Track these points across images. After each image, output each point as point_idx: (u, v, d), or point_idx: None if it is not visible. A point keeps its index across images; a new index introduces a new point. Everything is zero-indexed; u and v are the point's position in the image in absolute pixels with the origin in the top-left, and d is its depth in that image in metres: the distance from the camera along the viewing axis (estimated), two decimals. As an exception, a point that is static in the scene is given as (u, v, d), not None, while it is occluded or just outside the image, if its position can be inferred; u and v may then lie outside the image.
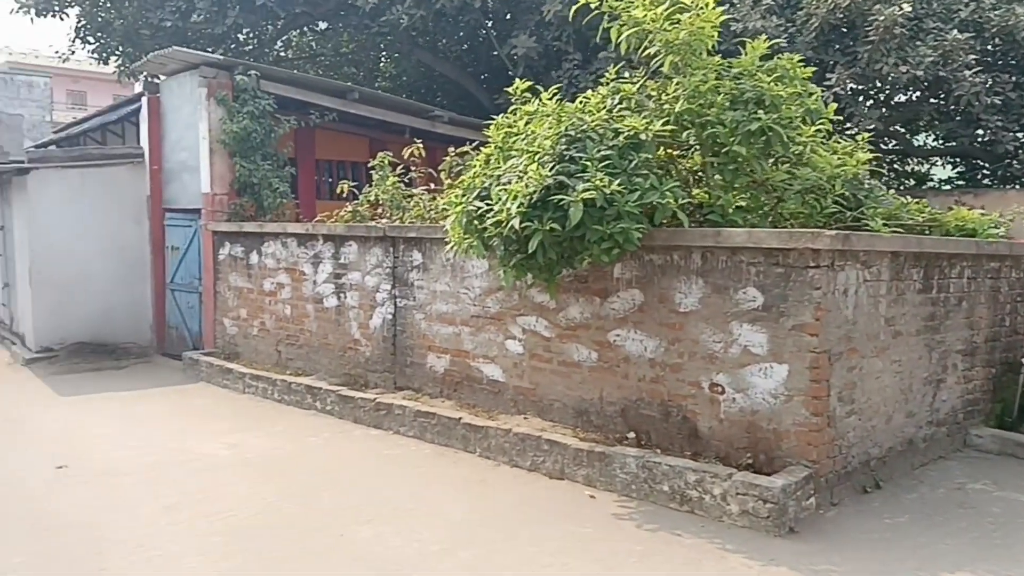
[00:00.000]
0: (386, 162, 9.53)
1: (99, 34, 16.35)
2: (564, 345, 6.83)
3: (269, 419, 8.48)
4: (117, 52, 17.00)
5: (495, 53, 16.21)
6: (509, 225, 5.74)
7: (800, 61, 6.55)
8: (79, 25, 16.48)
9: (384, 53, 19.63)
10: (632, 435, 6.37)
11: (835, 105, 7.03)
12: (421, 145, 9.74)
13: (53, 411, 8.90)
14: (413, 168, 9.88)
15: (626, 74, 6.94)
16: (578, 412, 6.77)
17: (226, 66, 11.15)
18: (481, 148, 7.01)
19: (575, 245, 5.83)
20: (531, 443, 6.55)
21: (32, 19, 16.28)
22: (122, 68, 17.40)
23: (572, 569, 4.82)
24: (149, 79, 12.16)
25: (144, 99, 12.12)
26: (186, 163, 11.65)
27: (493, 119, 6.92)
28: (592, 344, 6.63)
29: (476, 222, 6.13)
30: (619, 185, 5.63)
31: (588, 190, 5.55)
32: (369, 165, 9.76)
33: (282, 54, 19.95)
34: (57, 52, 17.18)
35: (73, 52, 16.95)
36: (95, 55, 17.03)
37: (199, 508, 5.80)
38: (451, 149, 9.34)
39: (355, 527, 5.46)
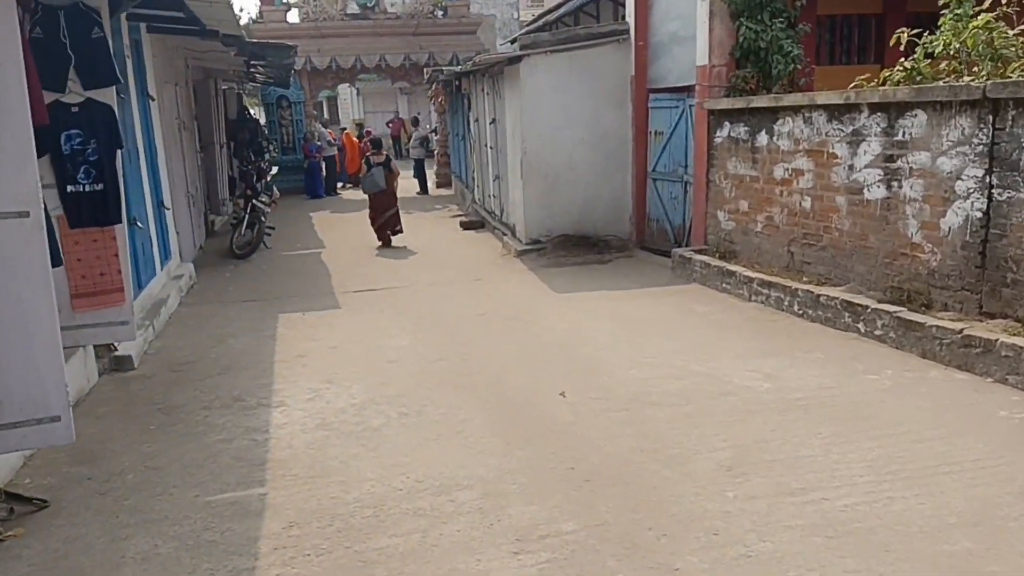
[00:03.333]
0: (963, -2, 6.67)
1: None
2: None
3: (796, 340, 6.62)
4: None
5: None
6: None
7: None
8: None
9: None
10: None
11: None
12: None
13: (552, 310, 8.14)
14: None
15: None
16: None
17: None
18: None
19: None
20: None
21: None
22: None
23: None
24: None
25: (630, -33, 10.62)
26: (676, 34, 9.96)
27: None
28: None
29: None
30: None
31: None
32: (941, 4, 6.90)
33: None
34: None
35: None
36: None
37: (771, 476, 4.19)
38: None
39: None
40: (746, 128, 8.60)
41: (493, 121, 13.08)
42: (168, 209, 9.54)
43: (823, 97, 7.39)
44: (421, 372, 6.25)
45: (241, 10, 37.26)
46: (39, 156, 5.78)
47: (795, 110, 7.78)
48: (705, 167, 9.38)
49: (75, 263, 5.96)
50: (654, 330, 7.17)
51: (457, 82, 16.78)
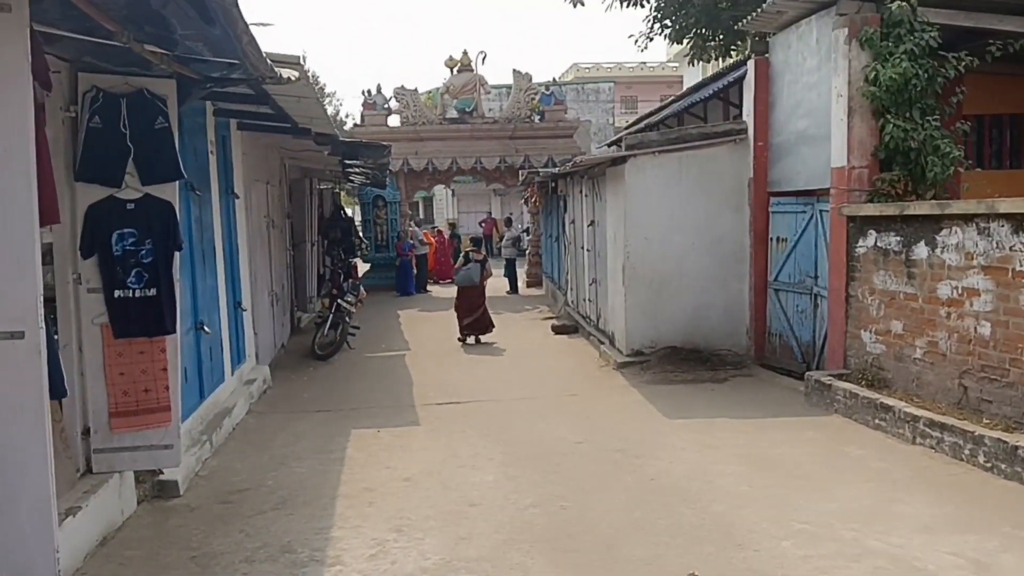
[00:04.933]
0: None
1: (677, 14, 14.68)
2: None
3: (995, 508, 5.02)
4: (691, 34, 15.22)
5: None
6: None
7: None
8: (658, 6, 15.03)
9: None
10: None
11: None
12: None
13: (666, 442, 6.76)
14: None
15: None
16: None
17: (868, -3, 7.94)
18: None
19: None
20: None
21: (611, 7, 15.33)
22: (695, 50, 15.55)
23: None
24: (756, 38, 9.58)
25: (750, 62, 9.61)
26: (805, 133, 8.78)
27: None
28: None
29: None
30: None
31: None
32: None
33: None
34: (633, 38, 16.14)
35: (651, 39, 15.64)
36: (670, 37, 15.50)
37: None
38: None
39: None
40: (899, 238, 7.21)
41: (592, 223, 12.07)
42: (245, 310, 8.76)
43: (1007, 205, 5.99)
44: (511, 524, 4.97)
45: (347, 116, 38.42)
46: (86, 256, 5.12)
47: (966, 219, 6.39)
48: (844, 280, 7.98)
49: (117, 377, 5.08)
50: (801, 480, 5.68)
51: (553, 183, 16.02)
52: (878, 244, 7.52)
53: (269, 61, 4.25)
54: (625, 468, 6.08)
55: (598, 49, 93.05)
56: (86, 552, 4.59)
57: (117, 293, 5.02)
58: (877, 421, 6.86)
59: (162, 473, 5.60)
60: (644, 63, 42.78)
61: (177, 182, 5.23)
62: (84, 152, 4.94)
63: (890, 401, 6.81)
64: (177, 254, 5.23)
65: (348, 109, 73.77)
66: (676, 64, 37.61)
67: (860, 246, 7.77)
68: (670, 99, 16.07)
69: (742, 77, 10.09)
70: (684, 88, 19.56)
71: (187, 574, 4.42)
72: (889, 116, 7.53)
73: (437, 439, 7.03)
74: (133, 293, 5.05)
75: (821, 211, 8.64)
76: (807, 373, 8.09)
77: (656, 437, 6.95)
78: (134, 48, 4.03)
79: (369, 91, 20.35)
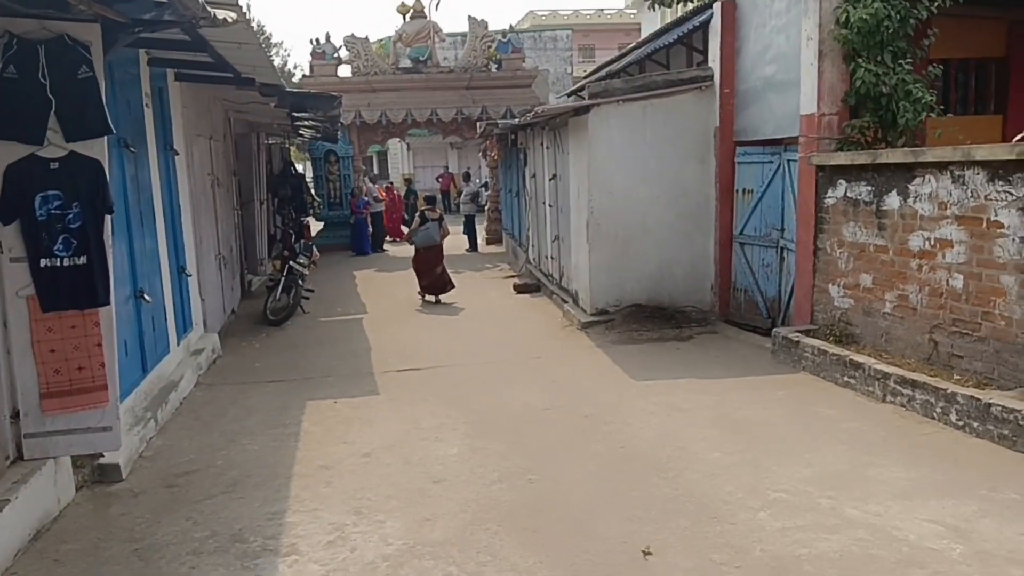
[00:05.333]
0: None
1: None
2: None
3: (971, 468, 4.92)
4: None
5: None
6: None
7: None
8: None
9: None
10: None
11: None
12: None
13: (635, 406, 6.57)
14: None
15: None
16: None
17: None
18: None
19: None
20: None
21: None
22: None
23: None
24: (721, -21, 9.19)
25: (716, 5, 9.24)
26: (772, 79, 8.51)
27: None
28: None
29: None
30: None
31: None
32: None
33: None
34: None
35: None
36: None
37: None
38: None
39: None
40: (869, 188, 7.03)
41: (553, 177, 11.71)
42: (190, 275, 8.28)
43: (983, 152, 5.81)
44: (477, 502, 4.73)
45: (296, 67, 37.06)
46: (7, 222, 4.64)
47: (940, 167, 6.21)
48: (812, 232, 7.81)
49: (47, 355, 4.65)
50: (774, 444, 5.54)
51: (513, 136, 15.56)
52: (848, 194, 7.33)
53: (202, 0, 3.77)
54: (594, 436, 5.88)
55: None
56: (17, 549, 4.23)
57: (43, 262, 4.58)
58: (846, 379, 6.75)
59: (102, 456, 5.22)
60: (601, 10, 42.02)
61: (106, 138, 4.73)
62: (-1, 106, 4.43)
63: (859, 358, 6.69)
64: (109, 217, 4.77)
65: (297, 60, 71.38)
66: (634, 11, 36.94)
67: (829, 197, 7.59)
68: (630, 46, 15.61)
69: (707, 21, 9.72)
70: (643, 36, 19.08)
71: (129, 570, 4.10)
72: (860, 60, 7.28)
73: (398, 409, 6.74)
74: (61, 262, 4.60)
75: (789, 161, 8.43)
76: (774, 330, 7.96)
77: (624, 400, 6.75)
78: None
79: (318, 40, 19.47)
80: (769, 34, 8.48)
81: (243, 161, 13.25)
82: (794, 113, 8.05)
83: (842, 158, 7.31)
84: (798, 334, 7.59)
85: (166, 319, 7.36)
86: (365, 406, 6.87)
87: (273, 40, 41.55)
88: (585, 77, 19.11)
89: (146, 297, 6.44)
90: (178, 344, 7.76)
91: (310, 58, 19.64)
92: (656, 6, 16.74)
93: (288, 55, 48.80)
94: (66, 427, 4.70)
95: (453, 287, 12.37)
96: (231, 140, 12.36)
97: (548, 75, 27.02)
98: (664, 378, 7.38)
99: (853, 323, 7.36)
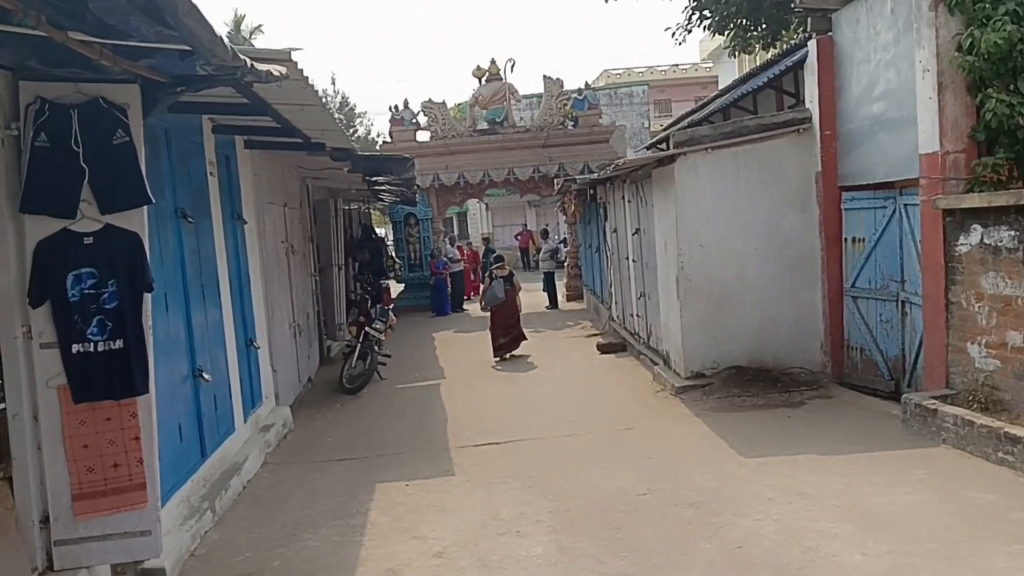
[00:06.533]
0: None
1: (717, 4, 13.48)
2: None
3: None
4: (732, 24, 14.02)
5: None
6: None
7: None
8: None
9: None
10: None
11: None
12: None
13: (748, 491, 5.58)
14: None
15: None
16: None
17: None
18: None
19: None
20: None
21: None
22: (737, 41, 14.33)
23: None
24: (817, 15, 8.34)
25: (811, 43, 8.40)
26: (882, 118, 7.56)
27: None
28: None
29: None
30: None
31: None
32: None
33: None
34: (670, 30, 14.92)
35: (689, 31, 14.45)
36: (710, 28, 14.30)
37: None
38: None
39: None
40: (1013, 232, 5.95)
41: (637, 231, 10.92)
42: (259, 348, 7.81)
43: None
44: (568, 622, 3.86)
45: (378, 135, 37.82)
46: (37, 304, 4.15)
47: (1111, 203, 5.13)
48: (941, 284, 6.72)
49: (80, 451, 4.10)
50: (927, 544, 4.46)
51: (591, 191, 14.90)
52: (985, 241, 6.26)
53: (229, 44, 3.24)
54: (702, 530, 4.93)
55: (629, 55, 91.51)
56: None
57: (76, 347, 4.07)
58: (1001, 455, 5.60)
59: (145, 560, 4.62)
60: (676, 65, 41.43)
61: (145, 209, 4.25)
62: (29, 177, 4.00)
63: (1018, 431, 5.54)
64: (149, 296, 4.26)
65: (379, 128, 73.56)
66: (710, 64, 36.23)
67: (961, 244, 6.51)
68: (712, 95, 14.88)
69: (800, 62, 8.91)
70: (720, 87, 18.33)
71: None
72: (991, 90, 6.29)
73: (474, 493, 5.96)
74: (95, 347, 4.09)
75: (906, 205, 7.41)
76: (904, 395, 6.83)
77: (733, 483, 5.78)
78: (50, 34, 3.06)
79: (396, 107, 19.48)
80: (876, 69, 7.57)
81: (322, 227, 13.04)
82: (909, 153, 7.08)
83: (976, 200, 6.26)
84: (934, 401, 6.45)
85: (231, 396, 6.86)
86: (439, 489, 6.12)
87: (357, 110, 42.67)
88: (664, 129, 18.41)
89: (205, 376, 5.93)
90: (245, 421, 7.24)
91: (389, 124, 19.64)
92: (736, 54, 16.14)
93: (372, 124, 50.12)
94: (100, 532, 4.12)
95: (525, 339, 12.28)
96: (308, 207, 12.12)
97: (625, 130, 26.41)
98: (778, 454, 6.36)
99: (1000, 388, 6.19)
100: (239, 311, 7.38)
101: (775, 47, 14.29)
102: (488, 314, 12.40)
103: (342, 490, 6.26)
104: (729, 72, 28.25)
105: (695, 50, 43.11)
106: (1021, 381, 5.99)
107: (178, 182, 5.91)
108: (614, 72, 40.13)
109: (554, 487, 5.96)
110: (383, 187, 13.78)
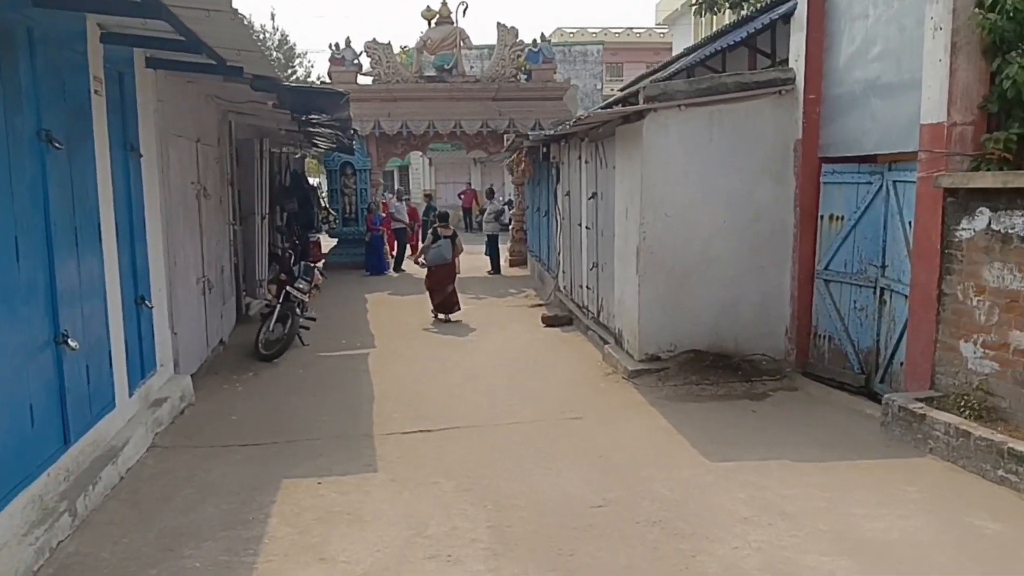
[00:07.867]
0: None
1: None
2: None
3: None
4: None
5: None
6: None
7: None
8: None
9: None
10: None
11: None
12: None
13: (716, 503, 4.77)
14: None
15: None
16: None
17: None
18: None
19: None
20: None
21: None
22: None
23: None
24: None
25: (801, -7, 7.51)
26: (877, 82, 6.73)
27: None
28: None
29: None
30: None
31: None
32: None
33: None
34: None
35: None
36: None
37: None
38: None
39: None
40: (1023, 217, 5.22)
41: (593, 196, 9.97)
42: (151, 307, 6.60)
43: None
44: None
45: (318, 78, 35.68)
46: None
47: None
48: (935, 273, 5.98)
49: None
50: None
51: (544, 149, 13.85)
52: (993, 227, 5.52)
53: None
54: (671, 558, 4.09)
55: (582, 16, 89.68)
56: None
57: None
58: (1002, 473, 4.92)
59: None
60: (631, 28, 40.38)
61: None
62: None
63: (1013, 443, 4.86)
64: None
65: (320, 71, 70.38)
66: (665, 29, 35.30)
67: (963, 229, 5.77)
68: (675, 56, 13.92)
69: (784, 16, 8.00)
70: (675, 53, 17.39)
71: None
72: (1015, 54, 5.49)
73: (399, 498, 4.99)
74: None
75: (895, 182, 6.66)
76: (886, 396, 6.11)
77: (700, 494, 4.96)
78: None
79: (337, 45, 17.96)
80: (874, 26, 6.72)
81: (244, 170, 11.68)
82: (907, 123, 6.30)
83: (987, 179, 5.50)
84: (920, 404, 5.75)
85: (111, 365, 5.67)
86: (357, 490, 5.13)
87: (298, 50, 40.23)
88: (623, 90, 17.41)
89: (70, 342, 4.75)
90: (130, 395, 6.07)
91: (329, 64, 18.12)
92: (703, 12, 15.19)
93: (312, 66, 47.32)
94: None
95: (459, 308, 11.70)
96: (228, 145, 10.74)
97: (578, 90, 25.31)
98: (746, 458, 5.57)
99: (997, 393, 5.51)
100: (128, 262, 6.14)
101: (743, 8, 13.44)
102: (424, 272, 11.96)
103: (240, 486, 5.20)
104: (684, 38, 27.39)
105: (651, 12, 42.09)
106: (1023, 388, 5.31)
107: (43, 97, 4.65)
108: (567, 31, 38.83)
109: (493, 492, 5.04)
110: (317, 130, 12.44)
